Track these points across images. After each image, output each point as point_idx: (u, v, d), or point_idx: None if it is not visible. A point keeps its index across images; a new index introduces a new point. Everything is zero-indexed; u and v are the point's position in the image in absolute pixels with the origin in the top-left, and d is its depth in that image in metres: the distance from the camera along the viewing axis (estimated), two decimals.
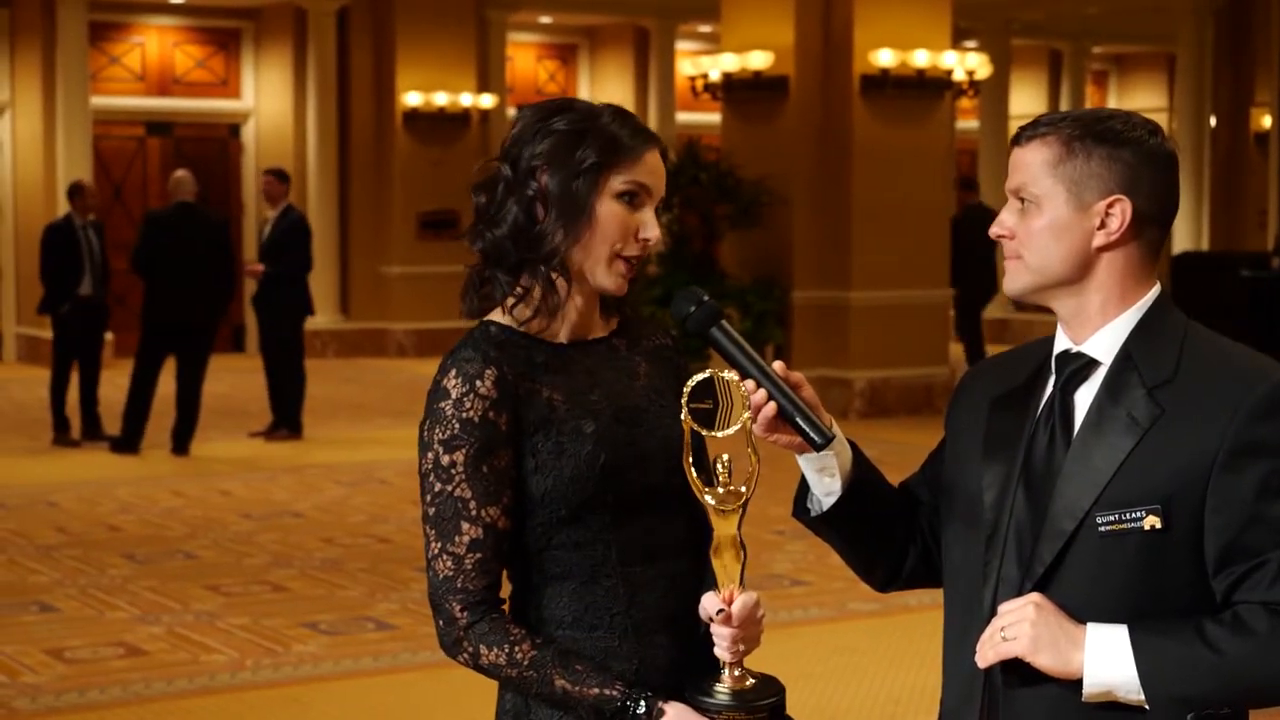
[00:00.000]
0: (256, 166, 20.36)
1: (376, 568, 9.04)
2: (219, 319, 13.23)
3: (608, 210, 2.61)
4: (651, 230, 2.64)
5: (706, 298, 2.60)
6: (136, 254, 12.90)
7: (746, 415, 2.48)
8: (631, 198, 2.62)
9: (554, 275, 2.63)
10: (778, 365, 2.54)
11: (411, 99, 20.64)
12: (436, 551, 2.60)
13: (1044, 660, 2.38)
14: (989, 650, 2.43)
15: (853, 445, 2.65)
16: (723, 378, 2.49)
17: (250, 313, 16.12)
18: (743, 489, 2.50)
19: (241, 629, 7.77)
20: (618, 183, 2.61)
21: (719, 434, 2.49)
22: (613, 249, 2.62)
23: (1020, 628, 2.39)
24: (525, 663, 2.56)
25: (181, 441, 12.97)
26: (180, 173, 13.49)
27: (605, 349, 2.72)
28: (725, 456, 2.52)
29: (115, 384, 15.56)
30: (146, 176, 20.95)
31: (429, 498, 2.60)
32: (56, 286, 13.54)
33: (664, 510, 2.66)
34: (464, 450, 2.57)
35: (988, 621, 2.46)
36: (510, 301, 2.65)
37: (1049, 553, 2.44)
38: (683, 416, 2.49)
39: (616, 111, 2.68)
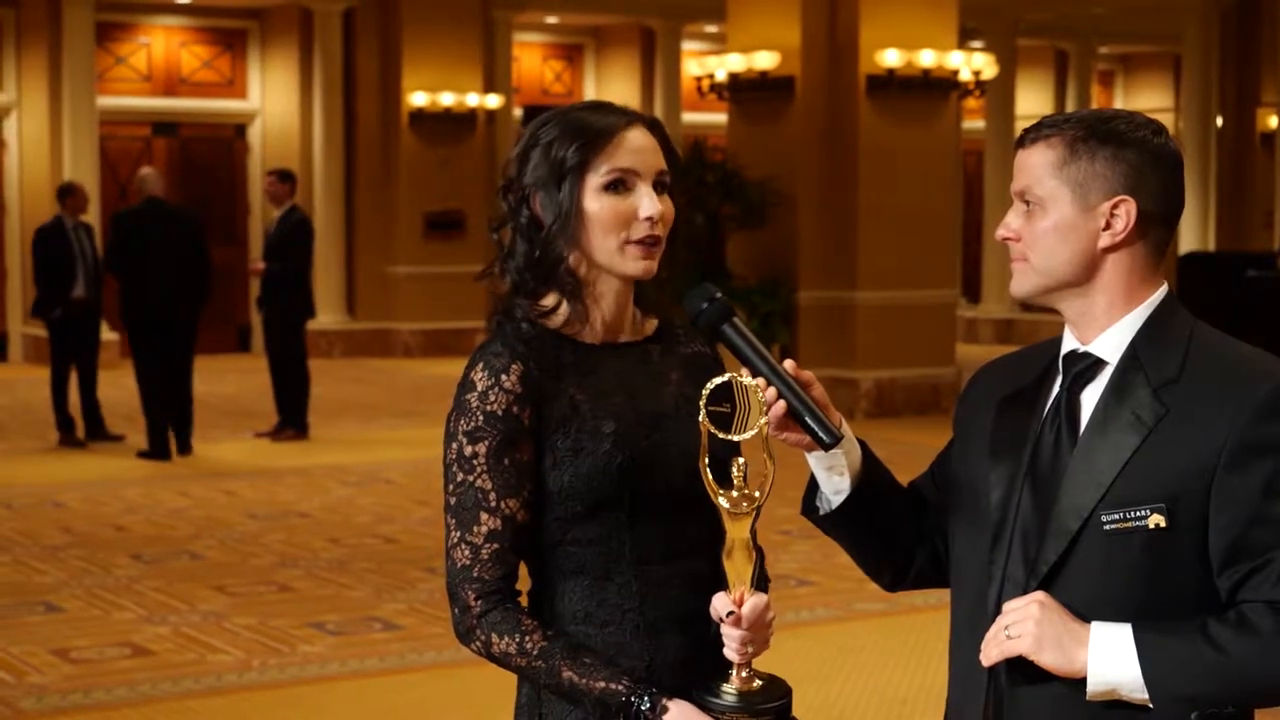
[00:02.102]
0: (262, 166, 20.38)
1: (383, 568, 9.04)
2: (198, 313, 13.14)
3: (596, 205, 2.62)
4: (649, 207, 2.63)
5: (719, 294, 2.60)
6: (109, 253, 12.90)
7: (764, 420, 2.48)
8: (618, 185, 2.63)
9: (569, 284, 2.65)
10: (788, 363, 2.54)
11: (417, 99, 20.66)
12: (455, 541, 2.62)
13: (1048, 659, 2.39)
14: (993, 649, 2.43)
15: (862, 444, 2.66)
16: (741, 382, 2.49)
17: (255, 313, 16.13)
18: (756, 494, 2.51)
19: (248, 629, 7.78)
20: (597, 177, 2.62)
21: (735, 438, 2.49)
22: (619, 239, 2.63)
23: (1025, 626, 2.40)
24: (535, 653, 2.57)
25: (183, 440, 12.97)
26: (146, 169, 13.50)
27: (638, 354, 2.73)
28: (741, 460, 2.53)
29: (119, 384, 15.59)
30: None
31: (451, 487, 2.63)
32: (49, 290, 13.52)
33: (684, 512, 2.66)
34: (486, 442, 2.60)
35: (993, 620, 2.46)
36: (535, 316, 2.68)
37: (1054, 551, 2.44)
38: (700, 418, 2.49)
39: (590, 103, 2.70)
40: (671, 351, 2.77)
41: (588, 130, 2.63)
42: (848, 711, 6.58)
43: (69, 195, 13.88)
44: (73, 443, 13.56)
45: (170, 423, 12.91)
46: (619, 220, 2.62)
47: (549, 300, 2.67)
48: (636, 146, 2.65)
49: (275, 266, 13.72)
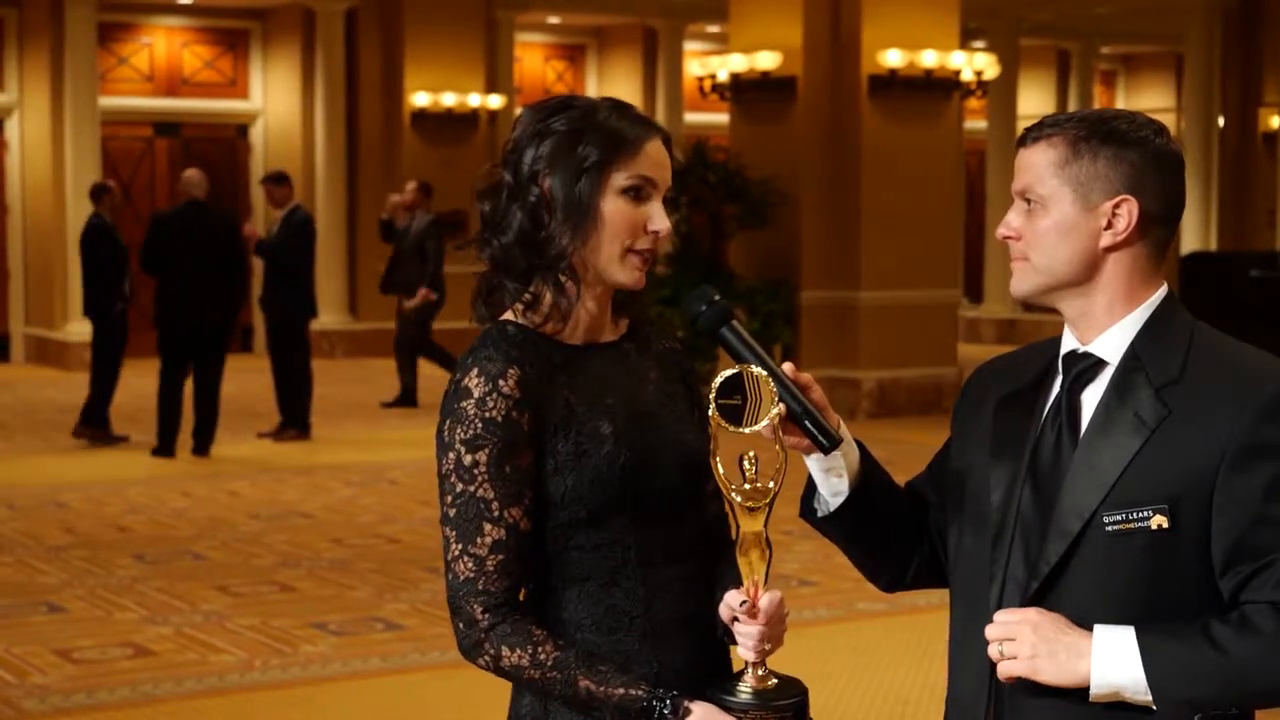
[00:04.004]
0: (264, 167, 20.37)
1: (385, 568, 9.04)
2: (232, 319, 13.18)
3: (613, 208, 2.59)
4: (660, 222, 2.62)
5: (718, 296, 2.59)
6: (145, 252, 12.90)
7: (775, 412, 2.46)
8: (636, 192, 2.60)
9: (563, 279, 2.61)
10: (787, 366, 2.54)
11: (420, 99, 20.66)
12: (457, 553, 2.56)
13: (1046, 677, 2.38)
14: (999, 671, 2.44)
15: (860, 446, 2.65)
16: (752, 373, 2.47)
17: (258, 313, 16.15)
18: (770, 485, 2.49)
19: (250, 629, 7.78)
20: (621, 179, 2.59)
21: (747, 430, 2.47)
22: (623, 245, 2.61)
23: (1018, 647, 2.39)
24: (549, 663, 2.53)
25: (202, 443, 12.98)
26: (191, 171, 13.46)
27: (616, 353, 2.71)
28: (751, 453, 2.50)
29: (122, 385, 15.57)
30: (155, 177, 20.98)
31: (450, 498, 2.57)
32: (108, 286, 13.48)
33: (680, 512, 2.65)
34: (487, 450, 2.54)
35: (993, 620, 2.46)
36: (520, 308, 2.64)
37: (1055, 552, 2.44)
38: (710, 412, 2.47)
39: (615, 105, 2.66)
40: (646, 350, 2.75)
41: (617, 133, 2.60)
42: (850, 711, 6.58)
43: (105, 194, 13.93)
44: (109, 440, 13.53)
45: (196, 424, 12.94)
46: (630, 227, 2.60)
47: (533, 289, 2.63)
48: (658, 158, 2.63)
49: (267, 243, 13.76)
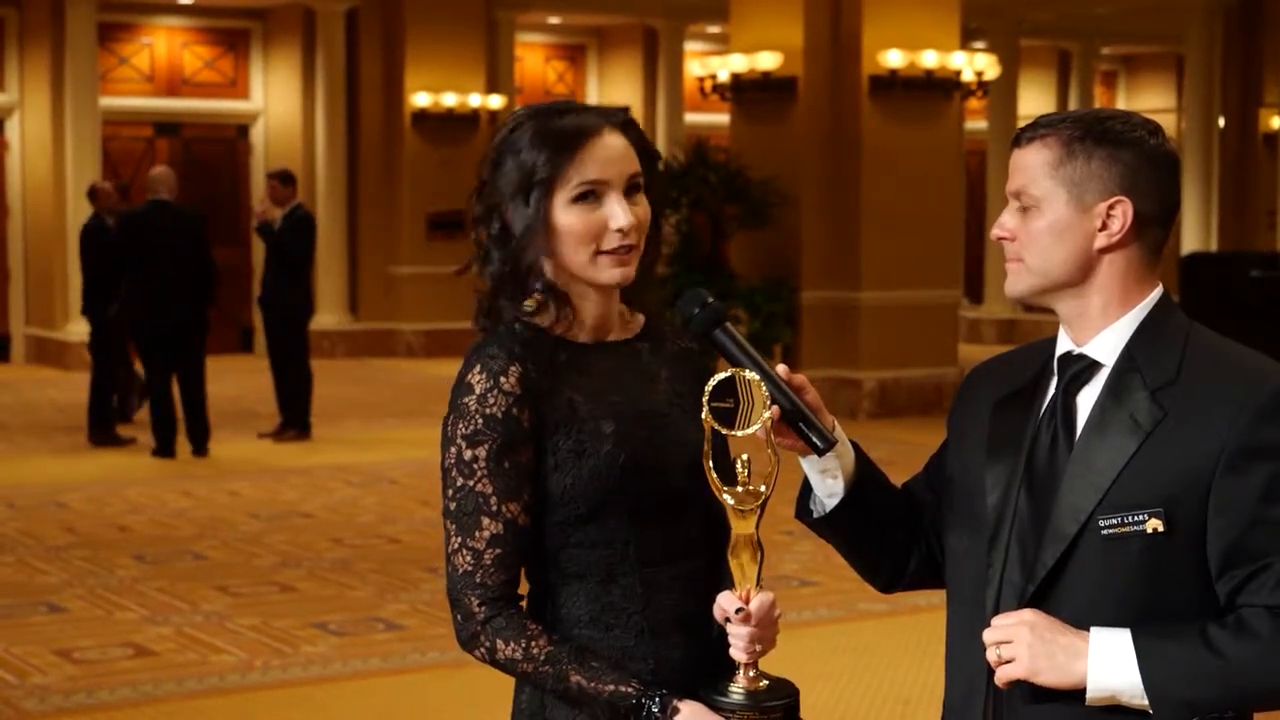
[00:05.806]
0: (265, 167, 20.36)
1: (386, 568, 9.05)
2: (204, 315, 13.11)
3: (567, 220, 2.60)
4: (620, 219, 2.61)
5: (711, 299, 2.60)
6: (117, 253, 12.90)
7: (767, 415, 2.47)
8: (588, 196, 2.61)
9: (547, 292, 2.64)
10: (781, 368, 2.54)
11: (420, 99, 20.66)
12: (456, 546, 2.60)
13: (1045, 679, 2.38)
14: (997, 677, 2.44)
15: (856, 447, 2.65)
16: (744, 377, 2.48)
17: (257, 313, 16.14)
18: (762, 489, 2.50)
19: (250, 629, 7.78)
20: (567, 191, 2.60)
21: (739, 433, 2.48)
22: (589, 250, 2.61)
23: (1016, 649, 2.39)
24: (541, 658, 2.56)
25: (199, 443, 12.97)
26: (159, 169, 13.44)
27: (627, 352, 2.72)
28: (745, 456, 2.52)
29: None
30: None
31: (450, 492, 2.61)
32: (108, 287, 13.47)
33: (682, 511, 2.65)
34: (486, 446, 2.57)
35: (990, 624, 2.46)
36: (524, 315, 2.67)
37: (1051, 555, 2.44)
38: (703, 415, 2.49)
39: (560, 106, 2.67)
40: (659, 349, 2.76)
41: (556, 139, 2.60)
42: (850, 711, 6.59)
43: (98, 194, 13.92)
44: (114, 440, 13.52)
45: (188, 425, 12.94)
46: (590, 233, 2.60)
47: (532, 302, 2.66)
48: (606, 155, 2.62)
49: (270, 228, 13.75)
